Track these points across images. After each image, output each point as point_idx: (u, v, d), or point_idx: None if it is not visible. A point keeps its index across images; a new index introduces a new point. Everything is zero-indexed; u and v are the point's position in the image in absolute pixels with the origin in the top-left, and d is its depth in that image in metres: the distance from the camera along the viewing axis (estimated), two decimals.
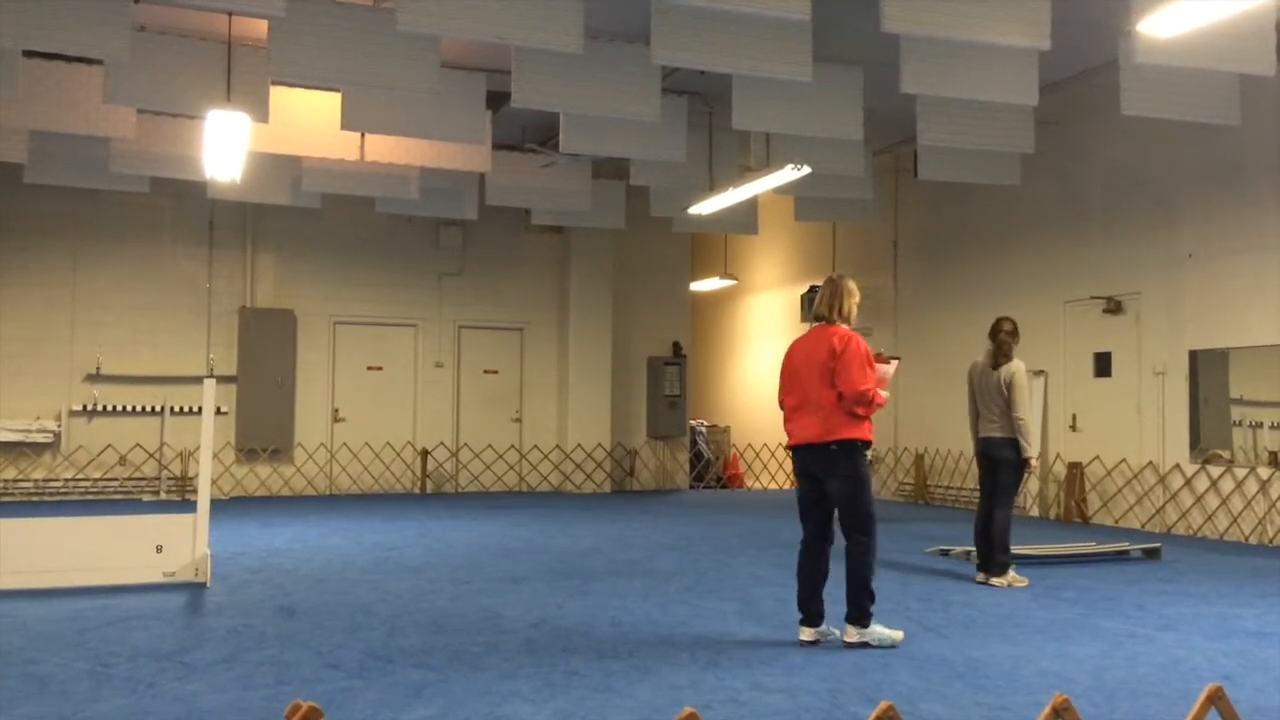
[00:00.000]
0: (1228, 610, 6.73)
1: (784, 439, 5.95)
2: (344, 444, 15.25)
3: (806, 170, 10.88)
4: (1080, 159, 12.20)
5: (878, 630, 5.58)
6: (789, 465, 18.11)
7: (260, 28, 9.28)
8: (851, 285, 5.84)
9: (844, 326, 5.75)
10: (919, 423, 14.78)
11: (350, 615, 6.35)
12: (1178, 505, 10.96)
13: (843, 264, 16.68)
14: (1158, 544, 9.24)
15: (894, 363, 5.87)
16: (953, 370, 13.80)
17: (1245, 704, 4.45)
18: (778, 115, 9.59)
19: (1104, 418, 11.89)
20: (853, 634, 5.57)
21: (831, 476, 5.61)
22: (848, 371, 5.53)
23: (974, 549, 8.04)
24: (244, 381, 14.63)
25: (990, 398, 7.75)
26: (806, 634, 5.69)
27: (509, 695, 4.58)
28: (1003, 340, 7.86)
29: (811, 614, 5.71)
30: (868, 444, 5.67)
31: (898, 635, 5.64)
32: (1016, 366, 7.76)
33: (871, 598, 5.58)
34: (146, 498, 13.91)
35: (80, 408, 13.95)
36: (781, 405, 5.90)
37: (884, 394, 5.65)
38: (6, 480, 13.55)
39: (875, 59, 9.43)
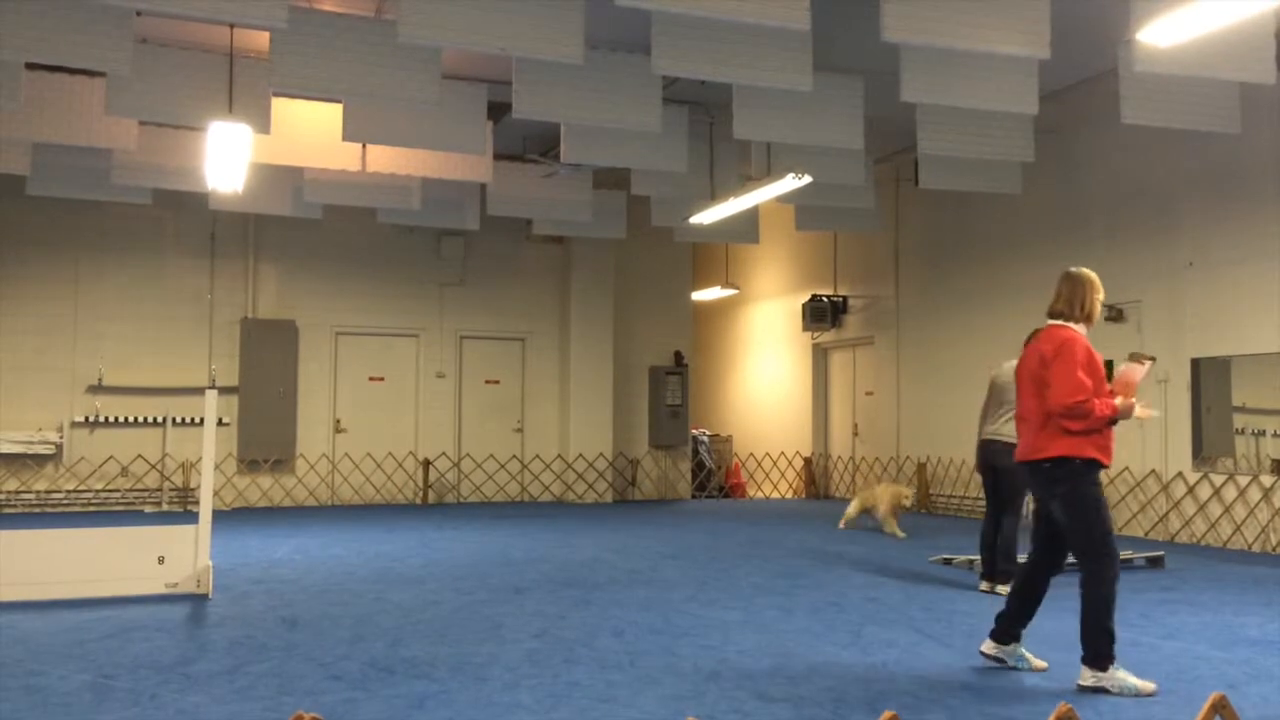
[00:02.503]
0: (1232, 618, 6.72)
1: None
2: (346, 454, 15.24)
3: (807, 179, 10.90)
4: (1081, 167, 12.21)
5: (1120, 676, 4.85)
6: (790, 474, 18.33)
7: (262, 39, 9.31)
8: (1095, 279, 5.27)
9: (1076, 328, 5.16)
10: (921, 432, 14.77)
11: (352, 626, 6.34)
12: (1180, 513, 10.94)
13: (844, 273, 16.71)
14: (1161, 552, 9.23)
15: (1146, 363, 5.13)
16: (955, 379, 13.82)
17: (1250, 713, 4.44)
18: (778, 125, 9.60)
19: None
20: (1087, 677, 4.89)
21: (1050, 497, 5.08)
22: (1056, 382, 4.96)
23: (977, 558, 8.03)
24: (246, 392, 14.63)
25: (1004, 398, 7.67)
26: (988, 646, 5.28)
27: (511, 706, 4.57)
28: None
29: (1003, 629, 5.22)
30: (1094, 462, 4.98)
31: (1148, 687, 4.84)
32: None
33: (1110, 637, 4.89)
34: (148, 509, 13.91)
35: (82, 419, 13.95)
36: None
37: (1121, 401, 4.97)
38: (9, 492, 13.55)
39: (876, 68, 9.44)
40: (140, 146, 10.47)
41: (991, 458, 7.74)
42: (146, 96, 9.19)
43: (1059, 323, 5.21)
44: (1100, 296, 5.26)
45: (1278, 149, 10.14)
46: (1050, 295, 5.41)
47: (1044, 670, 5.20)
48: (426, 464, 15.56)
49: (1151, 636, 6.14)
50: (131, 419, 14.15)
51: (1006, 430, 7.65)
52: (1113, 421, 5.01)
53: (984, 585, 7.71)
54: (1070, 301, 5.22)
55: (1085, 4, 9.05)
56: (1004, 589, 7.52)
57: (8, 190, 12.70)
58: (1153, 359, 5.29)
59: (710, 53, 8.09)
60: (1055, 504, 5.04)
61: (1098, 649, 4.88)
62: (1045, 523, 5.19)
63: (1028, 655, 5.24)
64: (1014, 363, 7.72)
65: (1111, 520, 5.08)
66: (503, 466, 16.07)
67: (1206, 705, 3.81)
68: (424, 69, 8.56)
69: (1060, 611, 6.02)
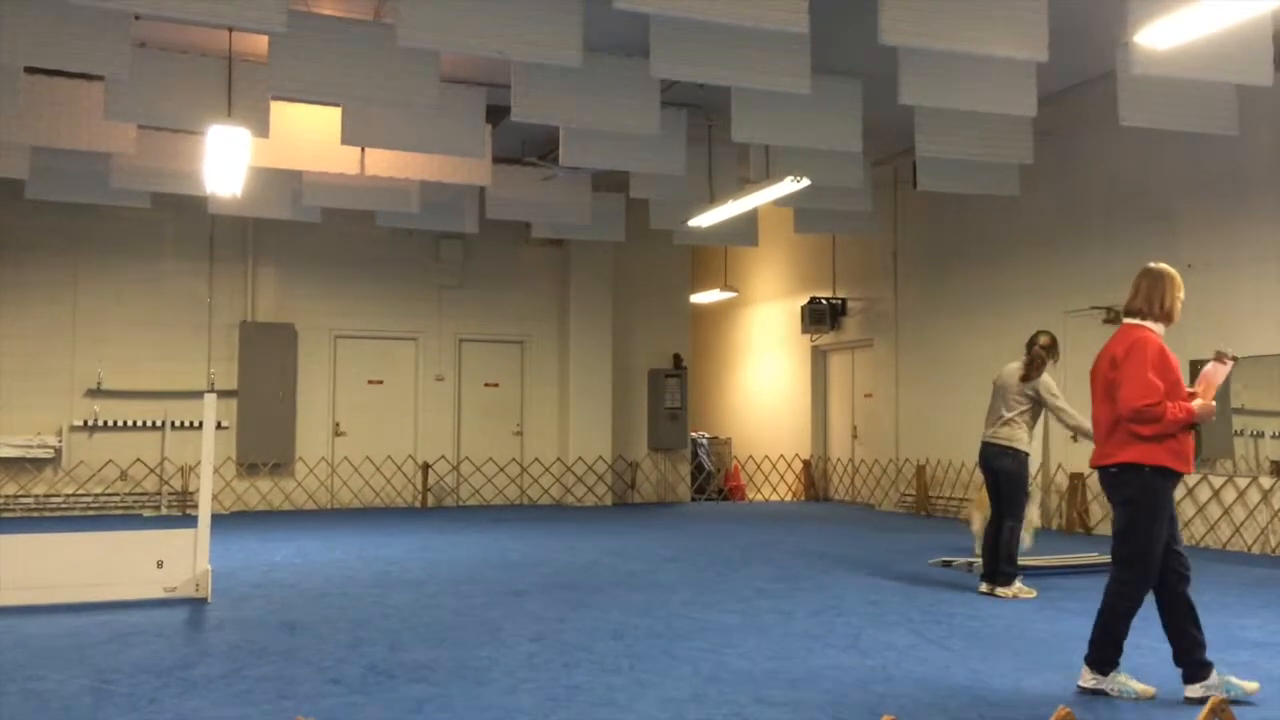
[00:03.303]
0: (1232, 620, 6.71)
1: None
2: (345, 458, 15.24)
3: (806, 182, 10.90)
4: (1079, 170, 12.22)
5: (1121, 680, 4.77)
6: (790, 477, 18.33)
7: (260, 43, 9.30)
8: (1178, 276, 5.01)
9: (1153, 327, 4.90)
10: (920, 434, 14.77)
11: (352, 630, 6.33)
12: (1180, 515, 10.92)
13: (843, 275, 16.72)
14: None
15: (1229, 363, 4.87)
16: (954, 381, 13.82)
17: (1250, 715, 4.44)
18: (777, 127, 9.61)
19: None
20: (1087, 678, 4.82)
21: (1114, 504, 4.85)
22: (1126, 384, 4.71)
23: (977, 560, 8.03)
24: (245, 396, 14.63)
25: (1004, 400, 7.73)
26: (1192, 691, 4.71)
27: (511, 710, 4.56)
28: (1035, 354, 7.77)
29: (1191, 667, 4.75)
30: (1167, 471, 4.72)
31: (1148, 691, 4.76)
32: (1046, 381, 7.71)
33: (1118, 647, 4.75)
34: (147, 513, 13.89)
35: (81, 423, 13.94)
36: None
37: (1200, 404, 4.73)
38: (7, 496, 13.54)
39: (874, 71, 9.45)
40: (139, 150, 10.47)
41: (989, 460, 7.75)
42: (145, 100, 9.19)
43: (1135, 321, 4.94)
44: (1182, 295, 5.01)
45: (1276, 151, 10.15)
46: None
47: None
48: (425, 467, 15.56)
49: (1151, 639, 6.12)
50: (130, 423, 14.14)
51: (1003, 433, 7.67)
52: (1191, 426, 4.74)
53: (984, 587, 7.71)
54: (1149, 299, 4.95)
55: (1083, 6, 9.05)
56: (1004, 591, 7.52)
57: (6, 194, 12.69)
58: (1235, 358, 5.01)
59: (709, 56, 8.10)
60: (1117, 511, 4.81)
61: (1104, 654, 4.78)
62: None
63: (1235, 680, 4.73)
64: (1016, 365, 7.78)
65: (1163, 538, 4.76)
66: (502, 469, 16.07)
67: (1206, 709, 3.81)
68: (423, 72, 8.57)
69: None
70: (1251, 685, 4.76)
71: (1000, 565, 7.62)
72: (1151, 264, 5.08)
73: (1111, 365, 4.83)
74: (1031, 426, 7.75)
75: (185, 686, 4.96)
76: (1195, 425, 4.76)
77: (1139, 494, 4.73)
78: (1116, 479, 4.79)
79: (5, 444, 13.48)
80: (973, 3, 7.56)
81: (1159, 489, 4.73)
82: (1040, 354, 7.74)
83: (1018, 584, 7.58)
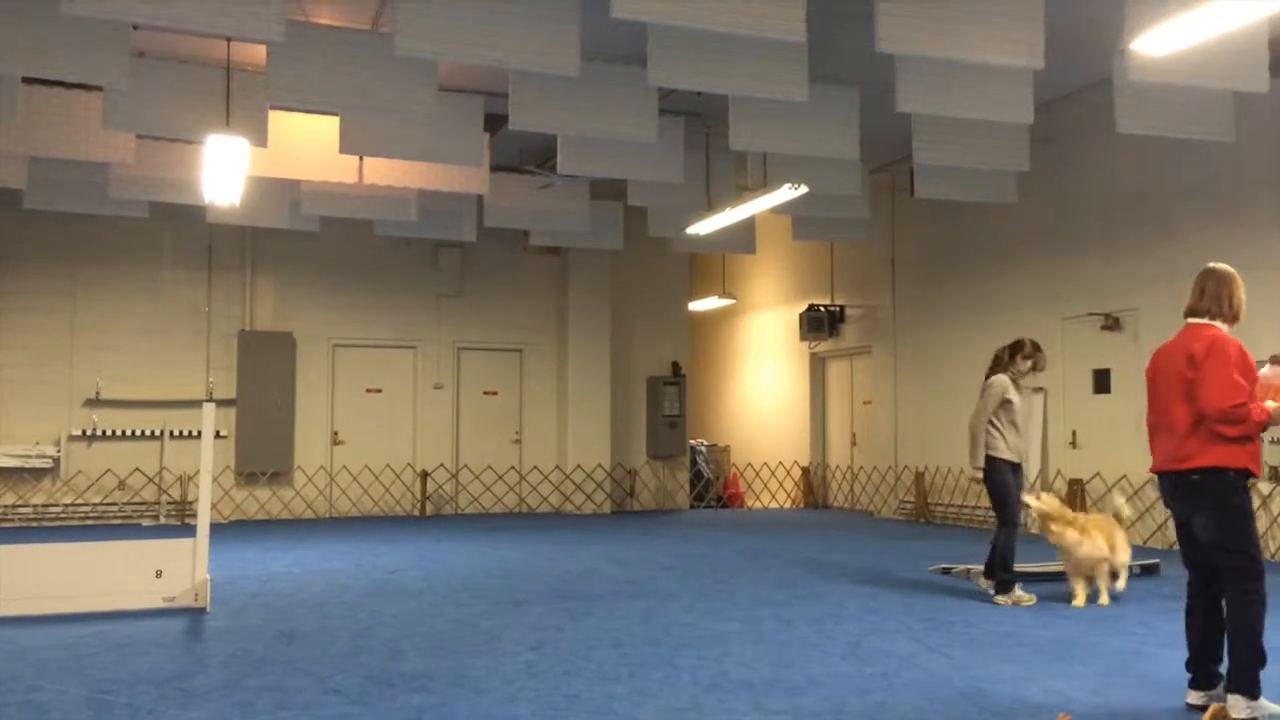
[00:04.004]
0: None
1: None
2: (343, 467, 15.23)
3: (804, 190, 10.92)
4: (1076, 176, 12.24)
5: (1267, 705, 4.45)
6: (789, 484, 18.33)
7: (259, 53, 9.33)
8: (1239, 276, 4.90)
9: (1221, 326, 4.79)
10: (919, 441, 14.77)
11: (350, 639, 6.32)
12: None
13: (841, 283, 16.73)
14: (1156, 560, 9.23)
15: None
16: (952, 387, 13.81)
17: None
18: (774, 135, 9.63)
19: (1104, 434, 11.88)
20: (1240, 707, 4.41)
21: (1195, 512, 4.62)
22: (1210, 384, 4.53)
23: (975, 567, 8.06)
24: (243, 405, 14.62)
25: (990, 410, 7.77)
26: (1194, 697, 4.69)
27: (510, 719, 4.55)
28: (997, 354, 7.86)
29: (1201, 674, 4.71)
30: (1246, 473, 4.56)
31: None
32: (993, 380, 7.72)
33: (1261, 660, 4.46)
34: (146, 522, 13.88)
35: (79, 432, 13.93)
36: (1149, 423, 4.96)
37: (1275, 405, 4.59)
38: (6, 506, 13.52)
39: (871, 79, 9.47)
40: (138, 160, 10.48)
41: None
42: (144, 110, 9.21)
43: (1203, 321, 4.80)
44: (1243, 295, 4.90)
45: (1273, 157, 10.16)
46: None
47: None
48: (424, 476, 15.55)
49: (1152, 645, 6.13)
50: (129, 432, 14.13)
51: (993, 444, 7.64)
52: (1264, 428, 4.59)
53: (983, 582, 7.83)
54: (1218, 298, 4.81)
55: (1080, 14, 9.08)
56: (1002, 599, 7.51)
57: (5, 204, 12.71)
58: None
59: (706, 64, 8.12)
60: (1201, 519, 4.58)
61: (1249, 675, 4.45)
62: (1190, 542, 4.73)
63: (1267, 704, 4.51)
64: (1004, 376, 7.74)
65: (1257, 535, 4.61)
66: (501, 478, 16.06)
67: (1206, 716, 3.81)
68: (421, 81, 8.58)
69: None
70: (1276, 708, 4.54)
71: (996, 573, 7.61)
72: (1213, 264, 4.93)
73: (1190, 364, 4.62)
74: (1006, 431, 7.62)
75: (184, 697, 4.95)
76: (1267, 428, 4.63)
77: (1228, 498, 4.54)
78: (1198, 485, 4.57)
79: (4, 454, 13.47)
80: (970, 11, 7.59)
81: (1243, 490, 4.57)
82: (999, 354, 7.82)
83: (1017, 591, 7.54)
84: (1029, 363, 7.74)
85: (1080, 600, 7.35)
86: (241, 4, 7.16)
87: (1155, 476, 4.90)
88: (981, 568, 8.09)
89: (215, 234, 14.51)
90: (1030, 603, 7.47)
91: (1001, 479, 7.60)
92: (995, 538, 7.73)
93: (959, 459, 13.83)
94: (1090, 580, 7.42)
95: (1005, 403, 7.60)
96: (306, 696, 4.96)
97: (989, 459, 7.59)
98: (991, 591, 7.65)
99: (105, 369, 14.13)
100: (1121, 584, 7.58)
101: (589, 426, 16.14)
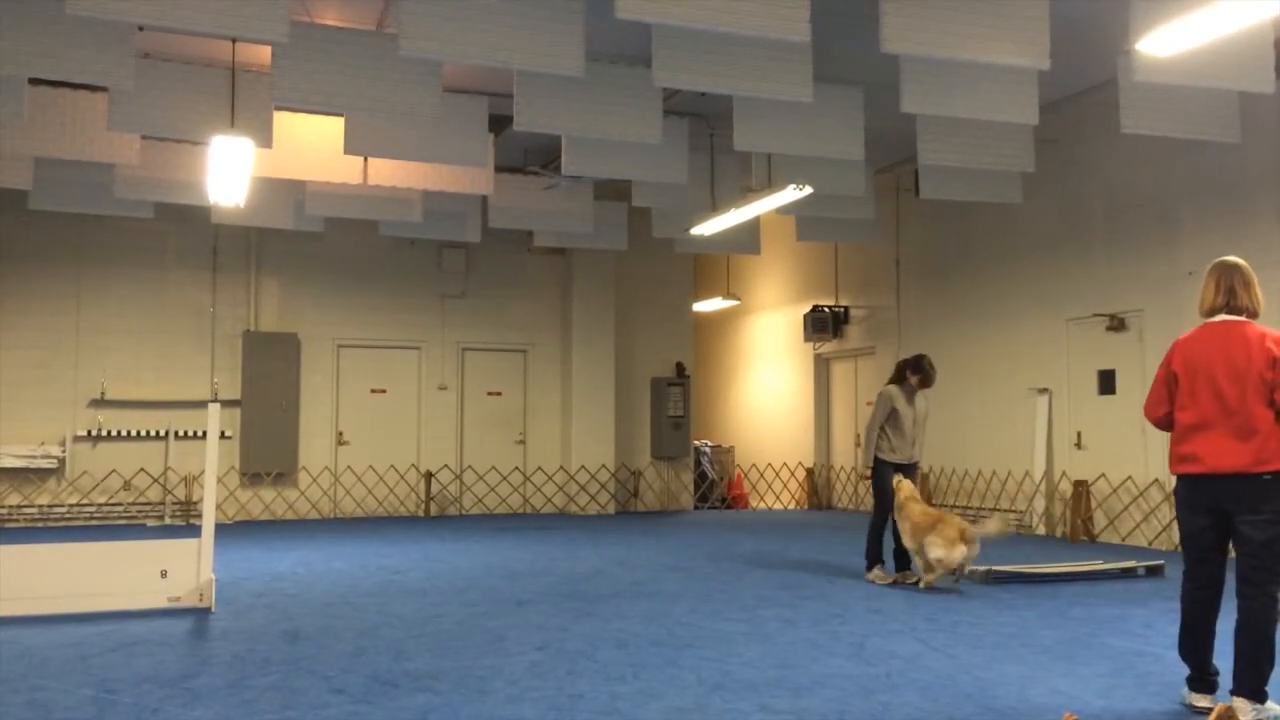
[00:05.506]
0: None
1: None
2: (348, 467, 15.24)
3: (808, 190, 10.92)
4: (1081, 177, 12.23)
5: (1273, 708, 4.45)
6: (793, 485, 18.32)
7: (264, 54, 9.35)
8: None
9: (1259, 325, 4.69)
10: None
11: (355, 639, 6.33)
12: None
13: (845, 283, 16.73)
14: (1161, 561, 9.22)
15: None
16: (956, 389, 13.81)
17: None
18: (779, 136, 9.63)
19: (1109, 435, 11.86)
20: (1247, 710, 4.40)
21: (1255, 514, 4.50)
22: None
23: (987, 568, 8.35)
24: (248, 405, 14.63)
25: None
26: (1201, 700, 4.70)
27: (515, 719, 4.56)
28: (898, 365, 8.96)
29: (1209, 677, 4.72)
30: None
31: None
32: (883, 390, 8.84)
33: (1273, 663, 4.48)
34: (151, 523, 13.90)
35: (85, 433, 13.95)
36: (1159, 419, 4.88)
37: None
38: (11, 506, 13.55)
39: (875, 79, 9.48)
40: (142, 161, 10.50)
41: None
42: (149, 111, 9.23)
43: (1243, 319, 4.70)
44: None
45: (1278, 158, 10.15)
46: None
47: None
48: (428, 476, 15.56)
49: (1156, 647, 6.12)
50: (134, 433, 14.15)
51: (881, 447, 8.72)
52: None
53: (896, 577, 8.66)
54: (1251, 294, 4.72)
55: (1085, 14, 9.07)
56: (869, 576, 8.65)
57: (10, 205, 12.74)
58: None
59: (710, 65, 8.12)
60: (1261, 521, 4.49)
61: (1265, 677, 4.46)
62: (1216, 545, 4.68)
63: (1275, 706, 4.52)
64: (894, 387, 8.67)
65: None
66: (505, 478, 16.06)
67: (1212, 716, 3.80)
68: (425, 82, 8.59)
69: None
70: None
71: (867, 553, 8.79)
72: (1229, 259, 4.83)
73: (1271, 364, 4.51)
74: (894, 437, 8.71)
75: (189, 697, 4.96)
76: None
77: None
78: (1268, 488, 4.49)
79: (9, 454, 13.50)
80: (974, 11, 7.58)
81: None
82: (899, 365, 8.90)
83: (876, 570, 8.68)
84: (917, 378, 8.76)
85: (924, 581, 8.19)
86: (246, 5, 7.18)
87: (1176, 478, 4.81)
88: (982, 568, 8.45)
89: (220, 235, 14.54)
90: (885, 582, 8.49)
91: (884, 478, 8.65)
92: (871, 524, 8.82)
93: (963, 460, 13.84)
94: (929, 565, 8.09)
95: (893, 412, 8.67)
96: (311, 696, 4.97)
97: (877, 460, 8.71)
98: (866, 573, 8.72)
99: (110, 369, 14.15)
100: (931, 579, 8.14)
101: (593, 427, 16.14)
